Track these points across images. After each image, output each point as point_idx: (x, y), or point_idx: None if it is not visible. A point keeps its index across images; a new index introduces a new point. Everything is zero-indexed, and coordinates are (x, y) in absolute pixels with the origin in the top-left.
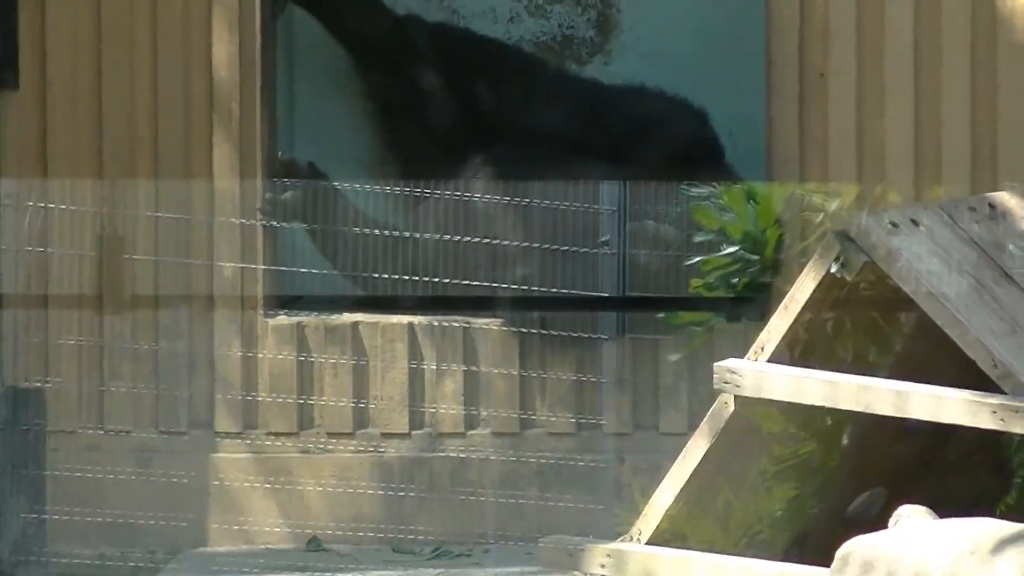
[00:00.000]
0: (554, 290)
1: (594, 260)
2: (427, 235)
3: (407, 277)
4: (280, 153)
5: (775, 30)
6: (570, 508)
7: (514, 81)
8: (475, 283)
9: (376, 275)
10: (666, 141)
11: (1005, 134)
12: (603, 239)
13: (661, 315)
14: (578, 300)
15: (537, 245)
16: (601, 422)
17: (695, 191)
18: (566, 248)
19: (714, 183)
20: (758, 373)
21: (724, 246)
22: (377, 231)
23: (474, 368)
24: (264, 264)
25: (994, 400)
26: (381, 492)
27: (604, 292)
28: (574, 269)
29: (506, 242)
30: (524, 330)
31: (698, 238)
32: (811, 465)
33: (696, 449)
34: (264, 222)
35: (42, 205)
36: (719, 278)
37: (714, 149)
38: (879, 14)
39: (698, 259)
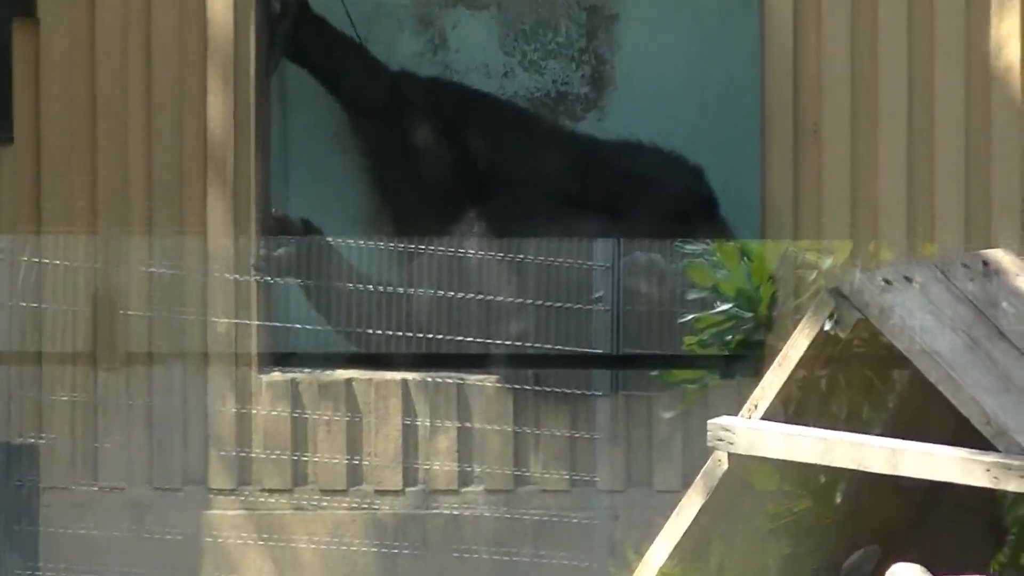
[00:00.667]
0: (548, 346)
1: (588, 316)
2: (421, 291)
3: (401, 334)
4: (274, 210)
5: (770, 86)
6: (564, 565)
7: (509, 136)
8: (469, 339)
9: (370, 331)
10: (662, 197)
11: (999, 189)
12: (596, 295)
13: (655, 373)
14: (572, 356)
15: (531, 301)
16: (595, 479)
17: (689, 247)
18: (560, 304)
19: (708, 240)
20: (751, 431)
21: (718, 303)
22: (371, 287)
23: (468, 424)
24: (258, 320)
25: (988, 458)
26: (375, 549)
27: (598, 349)
28: (567, 325)
29: (500, 298)
30: (518, 386)
31: (692, 295)
32: (806, 523)
33: (690, 506)
34: (258, 278)
35: (36, 260)
36: (713, 335)
37: (709, 205)
38: (873, 69)
39: (692, 316)
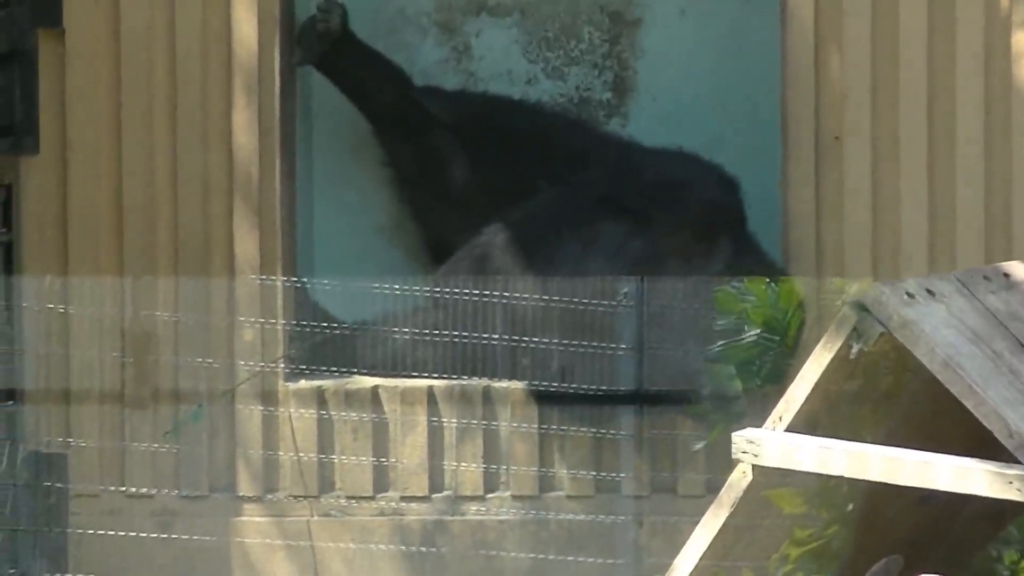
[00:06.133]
0: (573, 346)
1: (612, 318)
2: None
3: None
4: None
5: (791, 93)
6: (589, 569)
7: (535, 144)
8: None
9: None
10: (692, 206)
11: (1019, 194)
12: (623, 291)
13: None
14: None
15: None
16: (620, 478)
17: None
18: (584, 303)
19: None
20: (779, 443)
21: (746, 329)
22: (396, 330)
23: (494, 426)
24: (284, 326)
25: (1012, 471)
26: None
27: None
28: (592, 330)
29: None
30: (544, 385)
31: (719, 322)
32: (833, 548)
33: (713, 520)
34: (286, 281)
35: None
36: (741, 364)
37: (739, 216)
38: (894, 79)
39: (720, 344)
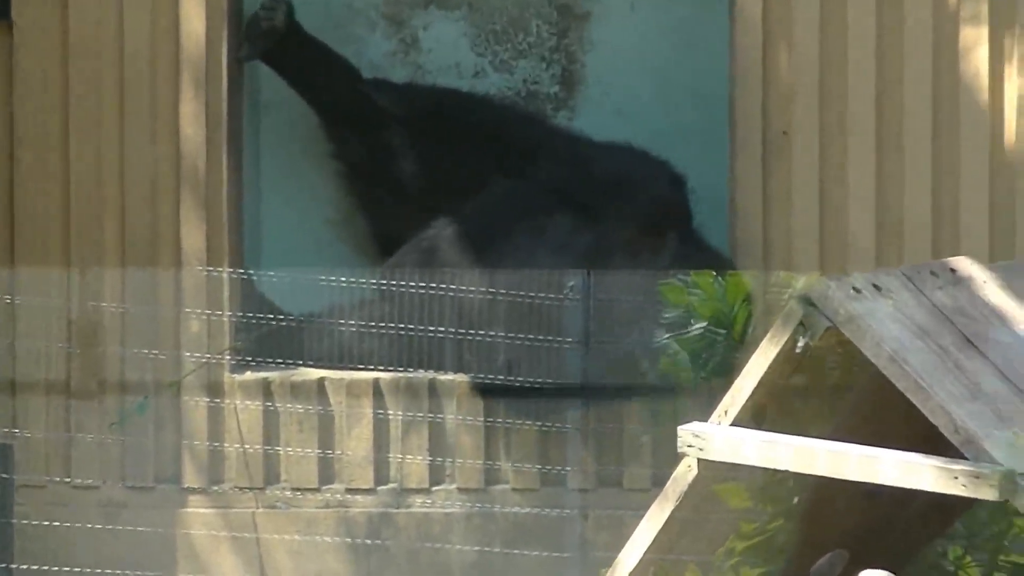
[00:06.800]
0: (519, 339)
1: (560, 311)
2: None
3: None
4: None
5: (739, 88)
6: (534, 562)
7: (484, 137)
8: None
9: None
10: (639, 201)
11: (967, 192)
12: (570, 284)
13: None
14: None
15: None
16: (565, 471)
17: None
18: (530, 297)
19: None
20: (724, 437)
21: (693, 322)
22: (342, 323)
23: (439, 418)
24: (231, 317)
25: (957, 466)
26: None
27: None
28: (538, 324)
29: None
30: (490, 378)
31: (666, 315)
32: (778, 542)
33: (659, 513)
34: (232, 273)
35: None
36: (688, 356)
37: (685, 213)
38: (842, 75)
39: (667, 337)
